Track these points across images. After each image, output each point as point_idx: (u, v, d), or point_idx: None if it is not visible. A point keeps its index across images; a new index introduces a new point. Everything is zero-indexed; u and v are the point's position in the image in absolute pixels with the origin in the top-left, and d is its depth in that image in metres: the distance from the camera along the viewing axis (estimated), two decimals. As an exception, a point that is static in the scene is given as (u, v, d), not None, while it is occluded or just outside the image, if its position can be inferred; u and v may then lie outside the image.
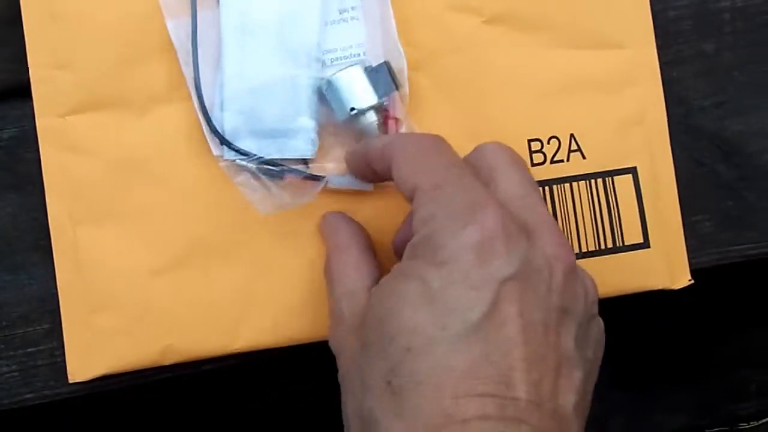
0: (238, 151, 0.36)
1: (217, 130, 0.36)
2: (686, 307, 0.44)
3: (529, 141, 0.38)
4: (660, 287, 0.39)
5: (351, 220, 0.36)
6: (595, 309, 0.31)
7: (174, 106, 0.37)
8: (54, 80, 0.36)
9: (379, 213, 0.37)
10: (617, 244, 0.38)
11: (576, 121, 0.38)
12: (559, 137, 0.38)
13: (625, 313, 0.45)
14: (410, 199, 0.31)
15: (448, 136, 0.36)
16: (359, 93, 0.36)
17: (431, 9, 0.38)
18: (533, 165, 0.38)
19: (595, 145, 0.38)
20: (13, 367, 0.37)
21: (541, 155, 0.38)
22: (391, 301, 0.29)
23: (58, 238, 0.36)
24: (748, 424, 0.50)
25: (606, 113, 0.39)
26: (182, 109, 0.37)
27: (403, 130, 0.37)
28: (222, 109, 0.36)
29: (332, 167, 0.37)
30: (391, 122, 0.36)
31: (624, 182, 0.39)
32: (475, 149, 0.33)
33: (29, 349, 0.37)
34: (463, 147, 0.37)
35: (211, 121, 0.36)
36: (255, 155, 0.36)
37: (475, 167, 0.32)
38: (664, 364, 0.49)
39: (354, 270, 0.33)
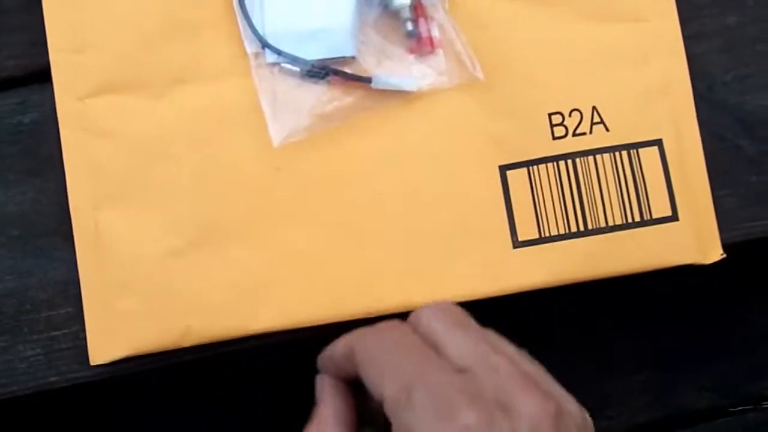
0: (281, 54, 0.36)
1: (258, 32, 0.36)
2: (707, 284, 0.43)
3: (550, 114, 0.38)
4: (690, 262, 0.38)
5: (340, 393, 0.32)
6: None
7: (192, 87, 0.37)
8: (73, 64, 0.37)
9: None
10: (645, 218, 0.38)
11: (598, 93, 0.38)
12: (581, 110, 0.38)
13: (647, 291, 0.45)
14: (381, 402, 0.29)
15: (469, 112, 0.37)
16: None
17: (450, -14, 0.38)
18: (554, 138, 0.38)
19: (618, 118, 0.38)
20: (38, 350, 0.36)
21: (562, 128, 0.38)
22: None
23: (79, 222, 0.36)
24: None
25: (629, 85, 0.38)
26: (200, 91, 0.37)
27: (434, 28, 0.37)
28: (262, 12, 0.36)
29: (374, 67, 0.37)
30: (421, 20, 0.37)
31: (650, 154, 0.38)
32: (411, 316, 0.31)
33: (53, 333, 0.37)
34: (483, 125, 0.37)
35: (251, 22, 0.36)
36: (298, 57, 0.36)
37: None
38: (687, 343, 0.49)
39: None
